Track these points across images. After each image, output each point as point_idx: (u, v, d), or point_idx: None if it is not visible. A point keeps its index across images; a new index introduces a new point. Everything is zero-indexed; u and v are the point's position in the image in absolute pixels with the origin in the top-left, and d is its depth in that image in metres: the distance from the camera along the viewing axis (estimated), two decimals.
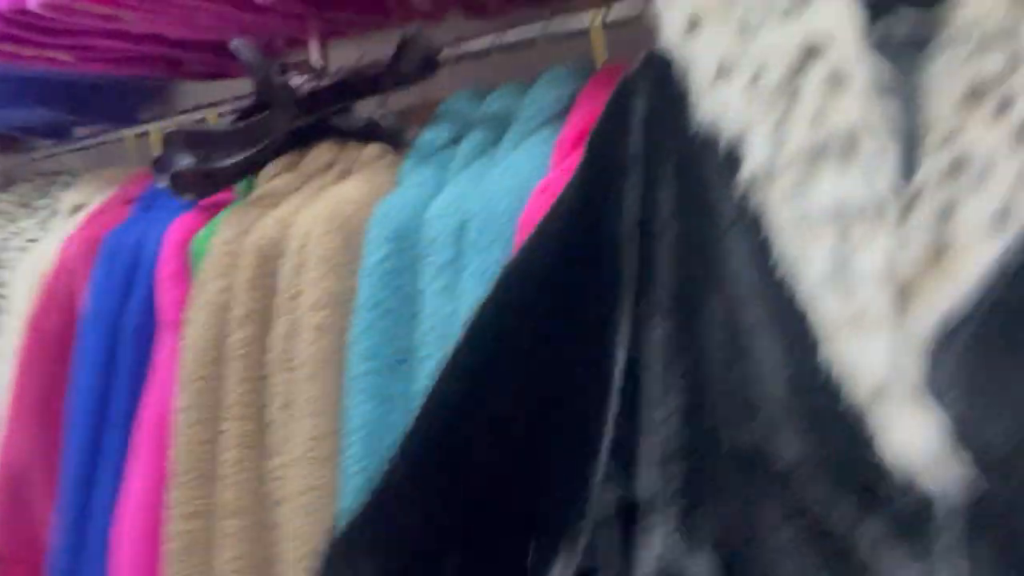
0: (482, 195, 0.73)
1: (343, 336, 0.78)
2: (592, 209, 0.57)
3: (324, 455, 0.78)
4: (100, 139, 1.33)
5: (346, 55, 1.24)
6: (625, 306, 0.54)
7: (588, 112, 0.75)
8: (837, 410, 0.44)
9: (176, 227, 0.97)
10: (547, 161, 0.74)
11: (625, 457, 0.54)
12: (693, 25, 0.55)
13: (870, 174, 0.47)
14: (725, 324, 0.51)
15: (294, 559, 0.76)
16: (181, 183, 0.96)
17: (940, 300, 0.44)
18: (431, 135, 0.86)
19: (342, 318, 0.79)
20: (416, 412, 0.59)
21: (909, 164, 0.48)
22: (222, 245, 0.89)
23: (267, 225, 0.87)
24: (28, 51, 1.15)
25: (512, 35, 0.88)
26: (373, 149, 0.90)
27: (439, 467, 0.59)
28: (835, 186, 0.47)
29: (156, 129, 1.25)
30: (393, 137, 0.86)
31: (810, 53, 0.50)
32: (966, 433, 0.42)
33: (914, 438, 0.42)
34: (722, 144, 0.51)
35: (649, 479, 0.53)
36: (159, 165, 0.99)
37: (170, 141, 0.92)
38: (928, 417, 0.42)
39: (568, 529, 0.54)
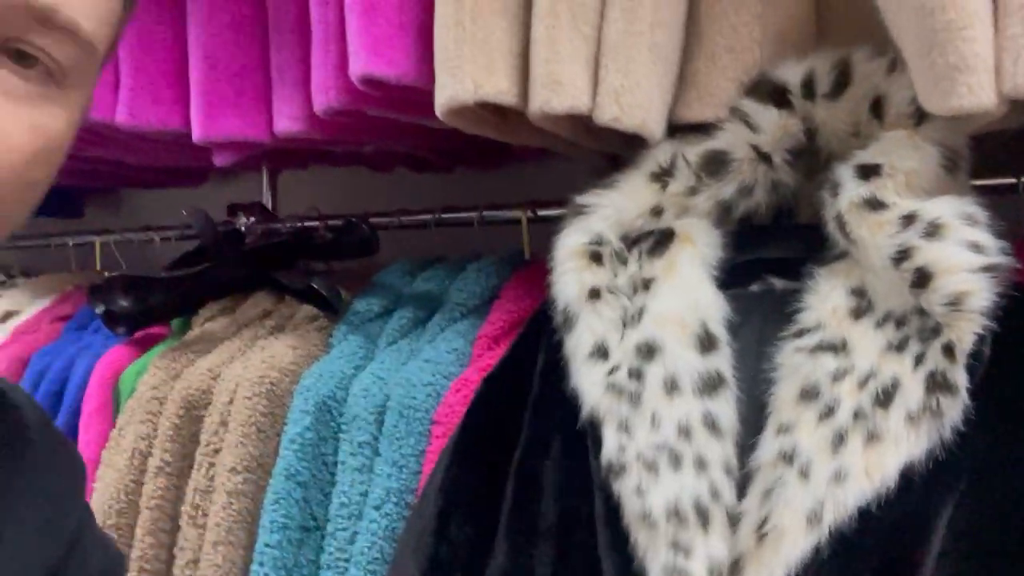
0: (403, 383, 0.77)
1: (257, 500, 0.81)
2: (497, 435, 0.64)
3: None
4: (43, 241, 1.34)
5: (297, 187, 1.30)
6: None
7: (508, 310, 0.81)
8: None
9: (106, 361, 0.99)
10: (466, 355, 0.79)
11: None
12: (570, 320, 0.59)
13: (698, 475, 0.53)
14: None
15: None
16: (115, 321, 0.98)
17: None
18: (364, 305, 0.91)
19: (258, 482, 0.82)
20: None
21: (756, 440, 0.55)
22: (149, 390, 0.91)
23: (196, 374, 0.90)
24: None
25: (449, 217, 0.95)
26: (307, 310, 0.95)
27: None
28: (668, 488, 0.53)
29: (99, 241, 1.27)
30: (328, 302, 0.91)
31: (648, 354, 0.56)
32: None
33: None
34: (585, 422, 0.57)
35: None
36: (96, 293, 1.02)
37: (110, 283, 0.94)
38: None
39: None
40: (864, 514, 0.50)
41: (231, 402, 0.86)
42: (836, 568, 0.50)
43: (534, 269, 0.87)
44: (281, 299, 0.99)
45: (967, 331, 0.49)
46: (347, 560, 0.74)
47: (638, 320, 0.58)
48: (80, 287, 1.20)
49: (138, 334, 1.03)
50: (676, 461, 0.53)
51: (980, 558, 0.50)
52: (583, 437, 0.58)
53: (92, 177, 1.32)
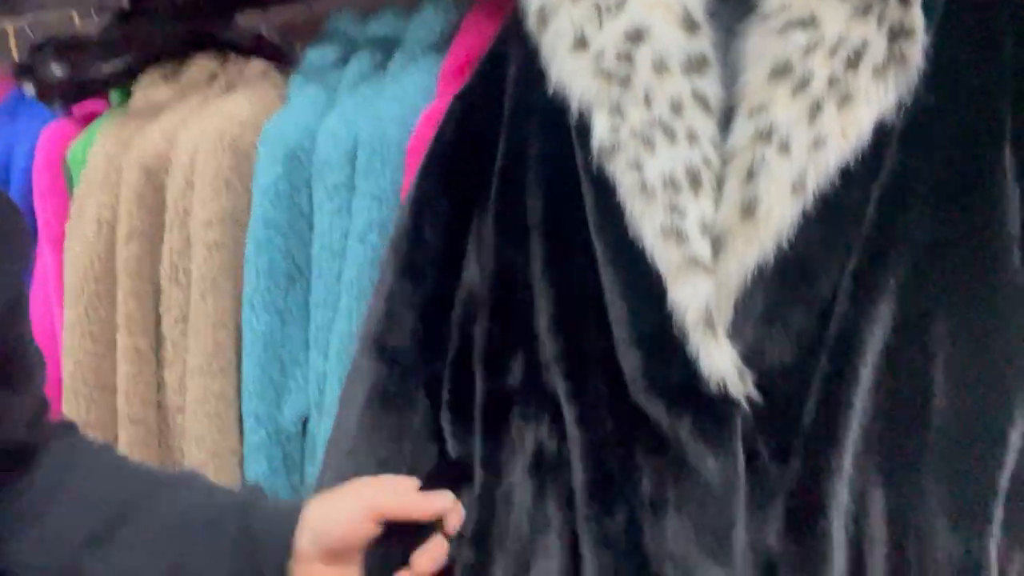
0: (372, 121, 0.76)
1: (237, 252, 0.82)
2: (470, 145, 0.64)
3: (222, 365, 0.82)
4: None
5: None
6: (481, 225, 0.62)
7: (469, 44, 0.79)
8: (666, 335, 0.54)
9: (48, 137, 0.94)
10: (432, 89, 0.78)
11: (497, 357, 0.62)
12: (546, 17, 0.59)
13: (691, 146, 0.55)
14: (584, 254, 0.59)
15: (198, 461, 0.82)
16: (50, 92, 0.92)
17: (750, 251, 0.53)
18: (317, 54, 0.87)
19: (235, 235, 0.82)
20: None
21: (728, 127, 0.56)
22: (103, 158, 0.88)
23: (151, 139, 0.87)
24: None
25: None
26: (257, 64, 0.90)
27: None
28: (664, 159, 0.55)
29: (13, 27, 1.16)
30: (280, 52, 0.87)
31: (636, 37, 0.56)
32: (756, 356, 0.54)
33: (719, 361, 0.53)
34: (573, 112, 0.58)
35: (524, 377, 0.62)
36: (24, 71, 0.95)
37: (39, 48, 0.88)
38: (729, 345, 0.53)
39: None
40: (844, 174, 0.53)
41: (193, 163, 0.84)
42: (822, 231, 0.54)
43: (493, 2, 0.84)
44: (225, 59, 0.93)
45: None
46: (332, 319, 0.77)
47: (619, 10, 0.57)
48: (6, 74, 1.11)
49: (76, 111, 0.98)
50: (671, 135, 0.55)
51: (931, 211, 0.55)
52: (565, 133, 0.59)
53: None
